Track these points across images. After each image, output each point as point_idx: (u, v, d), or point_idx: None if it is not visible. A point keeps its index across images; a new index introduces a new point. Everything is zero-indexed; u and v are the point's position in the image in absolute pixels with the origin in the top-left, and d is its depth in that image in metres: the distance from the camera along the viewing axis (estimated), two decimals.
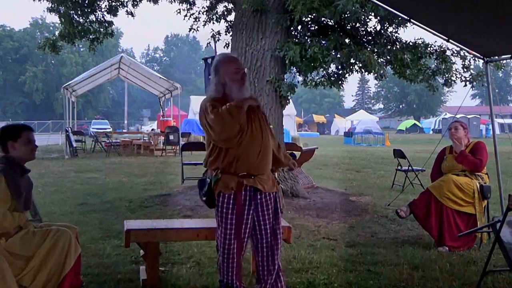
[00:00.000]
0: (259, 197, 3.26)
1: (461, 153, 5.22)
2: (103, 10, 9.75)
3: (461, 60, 7.70)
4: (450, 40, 5.07)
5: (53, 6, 9.38)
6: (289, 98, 7.66)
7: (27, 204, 3.31)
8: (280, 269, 3.42)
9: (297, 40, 7.42)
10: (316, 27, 7.74)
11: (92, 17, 9.71)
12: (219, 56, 3.49)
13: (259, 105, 3.30)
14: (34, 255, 3.12)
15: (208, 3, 9.58)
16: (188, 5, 9.71)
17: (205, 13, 9.58)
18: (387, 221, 6.36)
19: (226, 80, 3.23)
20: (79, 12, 9.49)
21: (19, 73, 57.28)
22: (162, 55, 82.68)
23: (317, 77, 7.75)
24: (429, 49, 7.62)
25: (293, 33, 7.69)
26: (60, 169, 12.52)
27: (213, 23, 9.48)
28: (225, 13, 9.40)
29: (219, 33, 9.42)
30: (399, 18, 6.42)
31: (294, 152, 7.73)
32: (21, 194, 3.18)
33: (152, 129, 22.78)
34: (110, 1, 9.67)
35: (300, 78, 8.01)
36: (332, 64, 7.28)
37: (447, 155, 5.47)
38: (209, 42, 9.59)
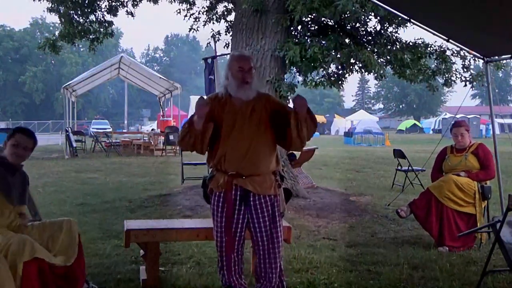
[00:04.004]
0: (251, 199, 3.20)
1: (471, 176, 5.19)
2: (103, 10, 9.77)
3: (461, 60, 7.70)
4: (450, 40, 5.08)
5: (53, 6, 9.40)
6: (289, 98, 7.66)
7: (22, 199, 3.40)
8: (282, 272, 3.38)
9: (297, 40, 7.41)
10: (316, 27, 7.74)
11: (92, 17, 9.73)
12: (231, 53, 3.54)
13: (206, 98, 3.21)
14: (60, 235, 3.31)
15: (208, 3, 9.59)
16: (188, 5, 9.72)
17: (205, 13, 9.58)
18: (387, 221, 6.36)
19: (229, 77, 3.24)
20: (79, 12, 9.51)
21: (19, 73, 57.22)
22: (162, 55, 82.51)
23: (317, 77, 7.75)
24: (429, 49, 7.61)
25: (293, 33, 7.69)
26: (60, 169, 12.51)
27: (213, 23, 9.49)
28: (225, 13, 9.41)
29: (219, 33, 9.42)
30: (399, 18, 6.42)
31: (294, 152, 7.73)
32: (10, 189, 3.27)
33: (152, 129, 22.75)
34: (110, 1, 9.69)
35: (300, 78, 8.00)
36: (332, 64, 7.28)
37: (449, 155, 5.45)
38: (209, 42, 9.58)
